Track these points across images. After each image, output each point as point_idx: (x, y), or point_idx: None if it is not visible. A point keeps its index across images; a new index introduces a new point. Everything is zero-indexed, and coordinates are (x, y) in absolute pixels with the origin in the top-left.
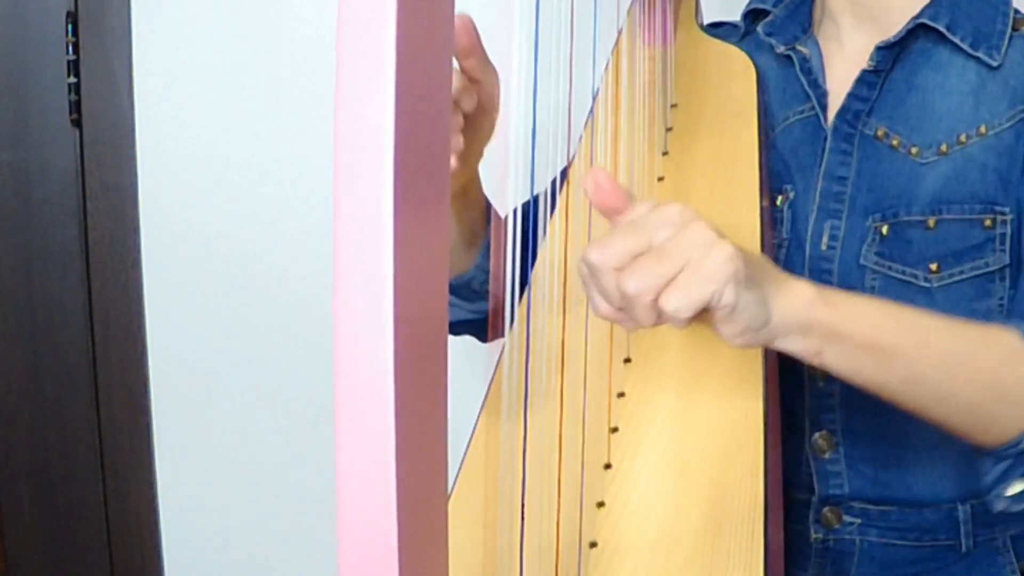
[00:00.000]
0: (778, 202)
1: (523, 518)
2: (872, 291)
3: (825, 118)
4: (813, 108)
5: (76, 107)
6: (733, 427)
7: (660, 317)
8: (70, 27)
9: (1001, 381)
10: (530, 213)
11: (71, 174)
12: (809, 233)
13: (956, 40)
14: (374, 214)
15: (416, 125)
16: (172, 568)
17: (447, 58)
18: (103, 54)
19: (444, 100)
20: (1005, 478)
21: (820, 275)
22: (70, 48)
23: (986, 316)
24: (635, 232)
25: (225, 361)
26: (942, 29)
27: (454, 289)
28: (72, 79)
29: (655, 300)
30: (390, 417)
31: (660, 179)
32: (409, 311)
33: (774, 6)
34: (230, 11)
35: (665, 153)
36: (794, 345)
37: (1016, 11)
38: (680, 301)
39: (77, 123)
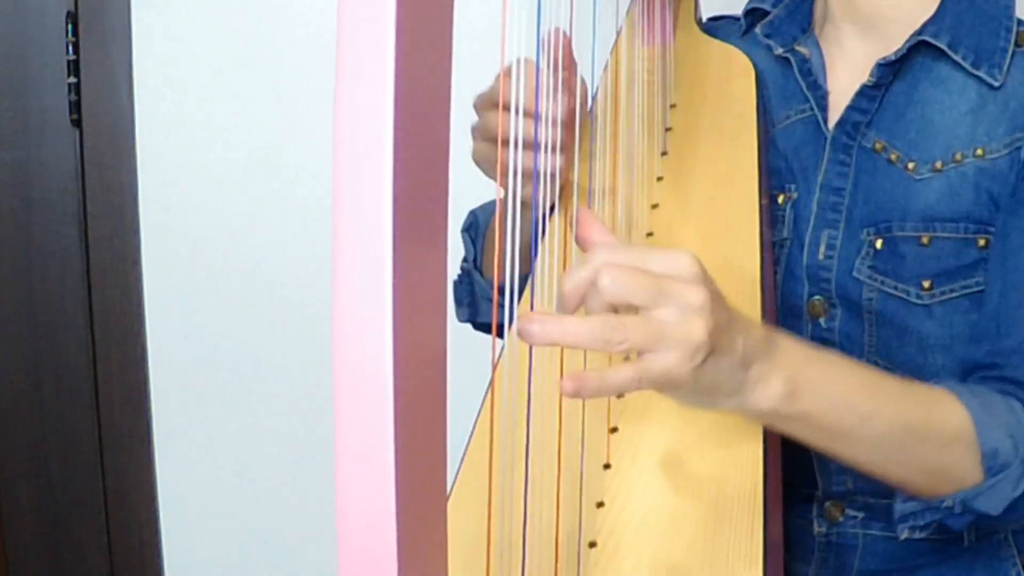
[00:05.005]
0: (780, 200)
1: (525, 518)
2: (869, 302)
3: (825, 119)
4: (812, 109)
5: (76, 107)
6: (732, 423)
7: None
8: (70, 27)
9: (941, 463)
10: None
11: (71, 174)
12: (807, 240)
13: (957, 58)
14: (374, 214)
15: (416, 123)
16: (172, 568)
17: (447, 55)
18: (103, 54)
19: (444, 98)
20: (913, 518)
21: (819, 283)
22: (70, 48)
23: (974, 324)
24: (640, 254)
25: (225, 361)
26: (943, 47)
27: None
28: (72, 79)
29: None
30: (389, 418)
31: (659, 179)
32: (409, 312)
33: (773, 6)
34: (230, 11)
35: (664, 153)
36: (750, 415)
37: (1020, 22)
38: (627, 379)
39: (77, 123)
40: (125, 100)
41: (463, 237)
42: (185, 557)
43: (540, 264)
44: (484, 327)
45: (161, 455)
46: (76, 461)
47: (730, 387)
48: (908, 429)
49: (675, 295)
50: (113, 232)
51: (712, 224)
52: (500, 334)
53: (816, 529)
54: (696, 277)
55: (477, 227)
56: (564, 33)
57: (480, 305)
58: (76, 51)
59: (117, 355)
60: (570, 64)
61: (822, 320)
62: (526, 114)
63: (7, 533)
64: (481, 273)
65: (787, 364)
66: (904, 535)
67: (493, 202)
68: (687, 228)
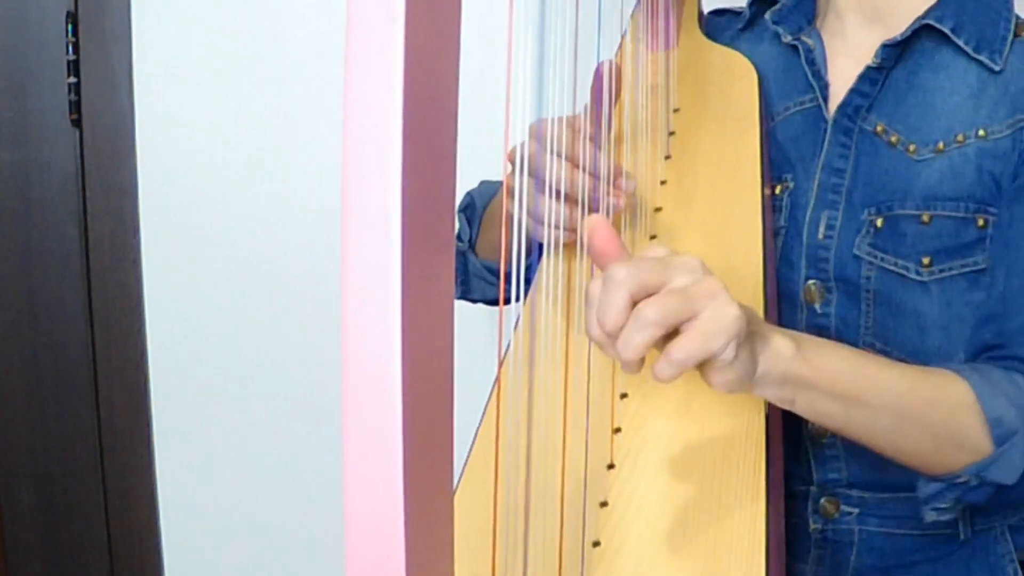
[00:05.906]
0: (777, 191)
1: (529, 516)
2: (868, 281)
3: (827, 110)
4: (815, 99)
5: (76, 107)
6: (735, 425)
7: (642, 361)
8: (70, 27)
9: (948, 431)
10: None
11: (71, 174)
12: (806, 222)
13: (960, 43)
14: (382, 217)
15: (424, 129)
16: (172, 568)
17: (454, 60)
18: (103, 54)
19: (451, 102)
20: (936, 499)
21: (817, 264)
22: (70, 48)
23: (980, 306)
24: (659, 268)
25: (225, 361)
26: (947, 31)
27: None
28: (72, 79)
29: (657, 340)
30: (397, 419)
31: (663, 183)
32: (416, 312)
33: None
34: (230, 11)
35: (668, 157)
36: (770, 393)
37: (1018, 17)
38: (689, 351)
39: (77, 123)
40: (125, 100)
41: (458, 217)
42: (185, 557)
43: (545, 264)
44: (474, 301)
45: (161, 455)
46: (76, 461)
47: (757, 355)
48: (915, 395)
49: (703, 296)
50: (113, 232)
51: (715, 227)
52: (507, 301)
53: (812, 526)
54: (705, 271)
55: (474, 208)
56: (610, 64)
57: (472, 282)
58: (76, 51)
59: (117, 355)
60: (597, 99)
61: (817, 305)
62: (540, 191)
63: (7, 533)
64: (476, 254)
65: (778, 329)
66: (931, 518)
67: (489, 184)
68: (691, 231)
